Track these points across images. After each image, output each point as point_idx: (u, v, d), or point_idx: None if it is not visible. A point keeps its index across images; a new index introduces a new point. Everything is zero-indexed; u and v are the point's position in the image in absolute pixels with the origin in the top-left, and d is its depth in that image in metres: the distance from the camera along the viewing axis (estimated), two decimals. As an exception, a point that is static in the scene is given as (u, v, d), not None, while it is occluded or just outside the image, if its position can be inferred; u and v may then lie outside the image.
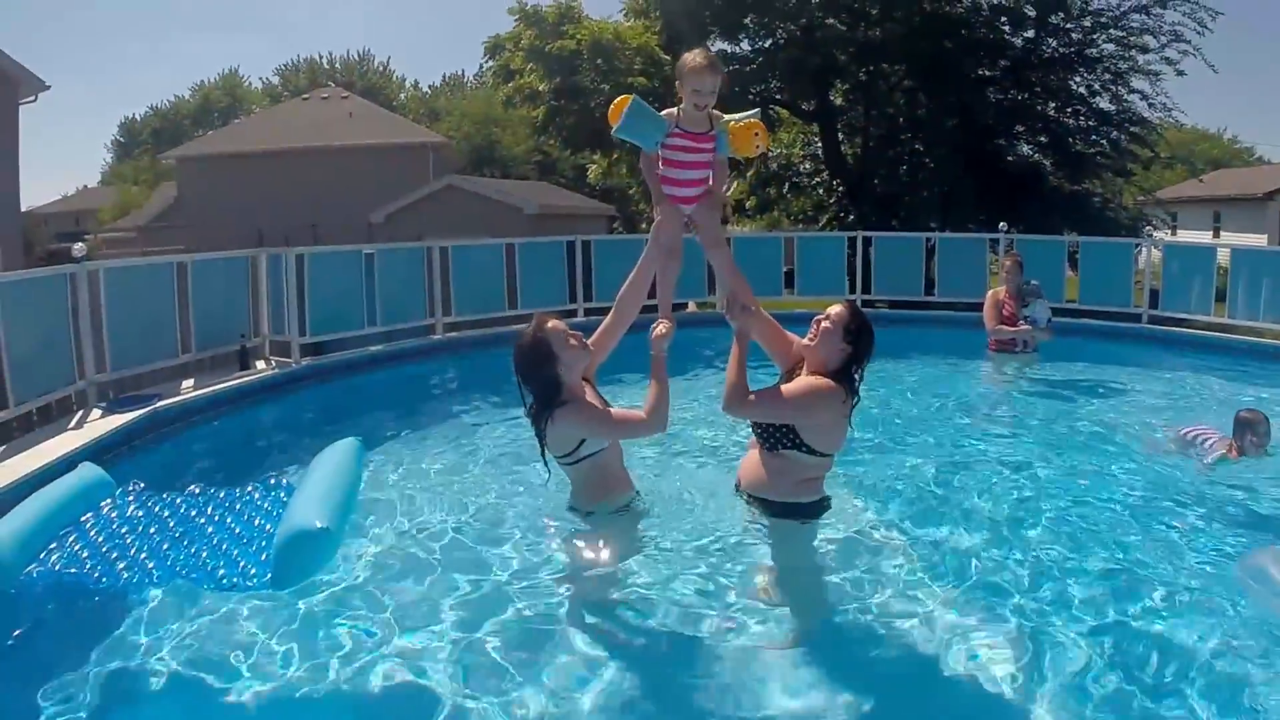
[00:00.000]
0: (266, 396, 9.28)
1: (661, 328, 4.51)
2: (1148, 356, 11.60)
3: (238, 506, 5.27)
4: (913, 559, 4.73)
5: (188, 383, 9.07)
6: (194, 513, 5.17)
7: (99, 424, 7.49)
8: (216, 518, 5.11)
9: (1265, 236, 37.31)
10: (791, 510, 4.58)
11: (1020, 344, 10.11)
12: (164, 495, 5.42)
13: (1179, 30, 20.89)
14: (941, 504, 5.68)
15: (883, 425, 7.62)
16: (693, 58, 4.44)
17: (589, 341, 4.59)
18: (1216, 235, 41.56)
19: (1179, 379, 10.37)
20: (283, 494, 5.40)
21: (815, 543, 4.71)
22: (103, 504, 5.24)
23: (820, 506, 4.68)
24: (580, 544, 4.70)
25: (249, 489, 5.50)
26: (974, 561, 4.76)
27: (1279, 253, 13.09)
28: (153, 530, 4.94)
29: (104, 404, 8.07)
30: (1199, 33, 20.70)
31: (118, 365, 8.65)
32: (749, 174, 25.12)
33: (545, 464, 4.63)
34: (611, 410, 4.62)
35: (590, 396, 4.59)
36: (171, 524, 5.02)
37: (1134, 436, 7.48)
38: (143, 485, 5.55)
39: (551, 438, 4.47)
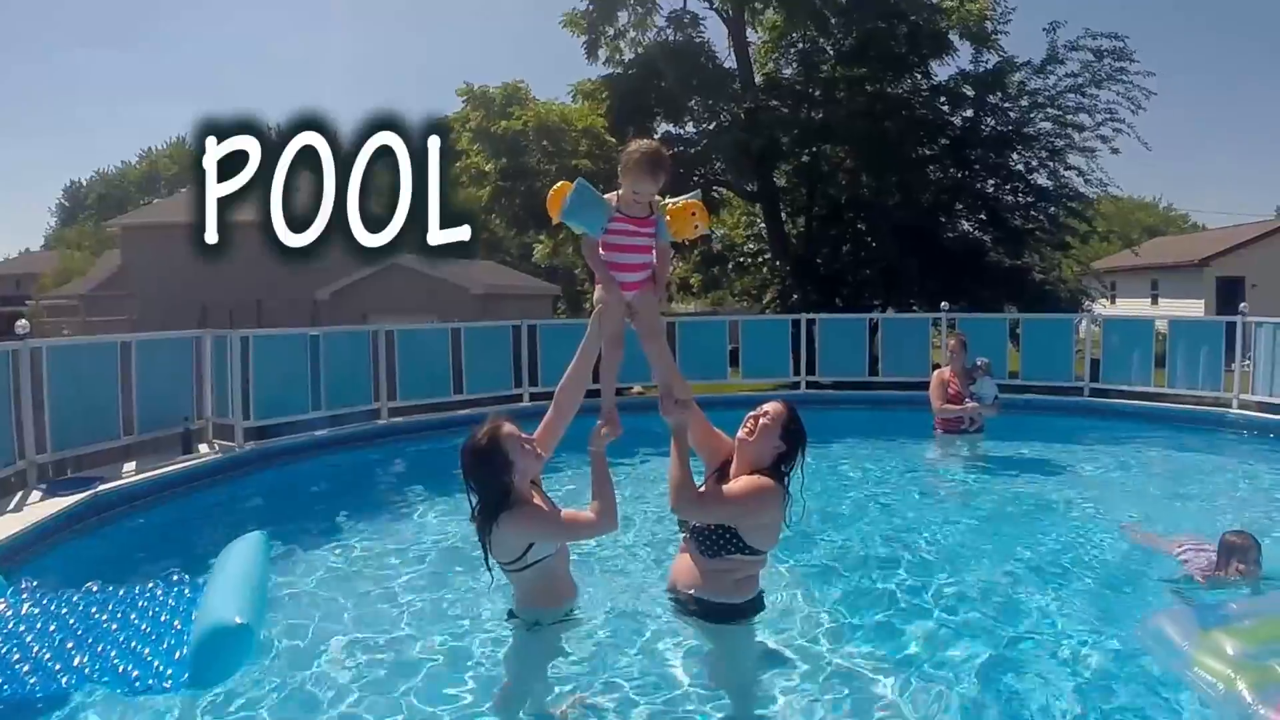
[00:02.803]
0: (208, 481, 9.09)
1: (606, 428, 4.36)
2: (1091, 429, 11.79)
3: (141, 603, 5.00)
4: (856, 648, 4.70)
5: (129, 465, 8.91)
6: (95, 610, 4.89)
7: (39, 507, 7.34)
8: (120, 614, 4.83)
9: (1202, 302, 38.08)
10: (731, 611, 4.39)
11: (967, 422, 10.16)
12: (60, 592, 5.12)
13: (1114, 109, 21.54)
14: (886, 591, 5.63)
15: (827, 509, 7.58)
16: (638, 157, 4.24)
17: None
18: (1155, 303, 42.42)
19: (1122, 453, 10.52)
20: (187, 590, 5.16)
21: (756, 640, 4.59)
22: None
23: (758, 604, 4.52)
24: (520, 655, 4.48)
25: (149, 584, 5.24)
26: (916, 648, 4.75)
27: (1215, 323, 13.32)
28: (53, 629, 4.65)
29: (44, 485, 7.91)
30: (1133, 111, 21.36)
31: (59, 446, 8.51)
32: (693, 255, 25.32)
33: (489, 567, 4.36)
34: (561, 512, 4.36)
35: (538, 500, 4.36)
36: (73, 623, 4.74)
37: (1080, 516, 7.50)
38: (36, 583, 5.24)
39: (497, 544, 4.20)
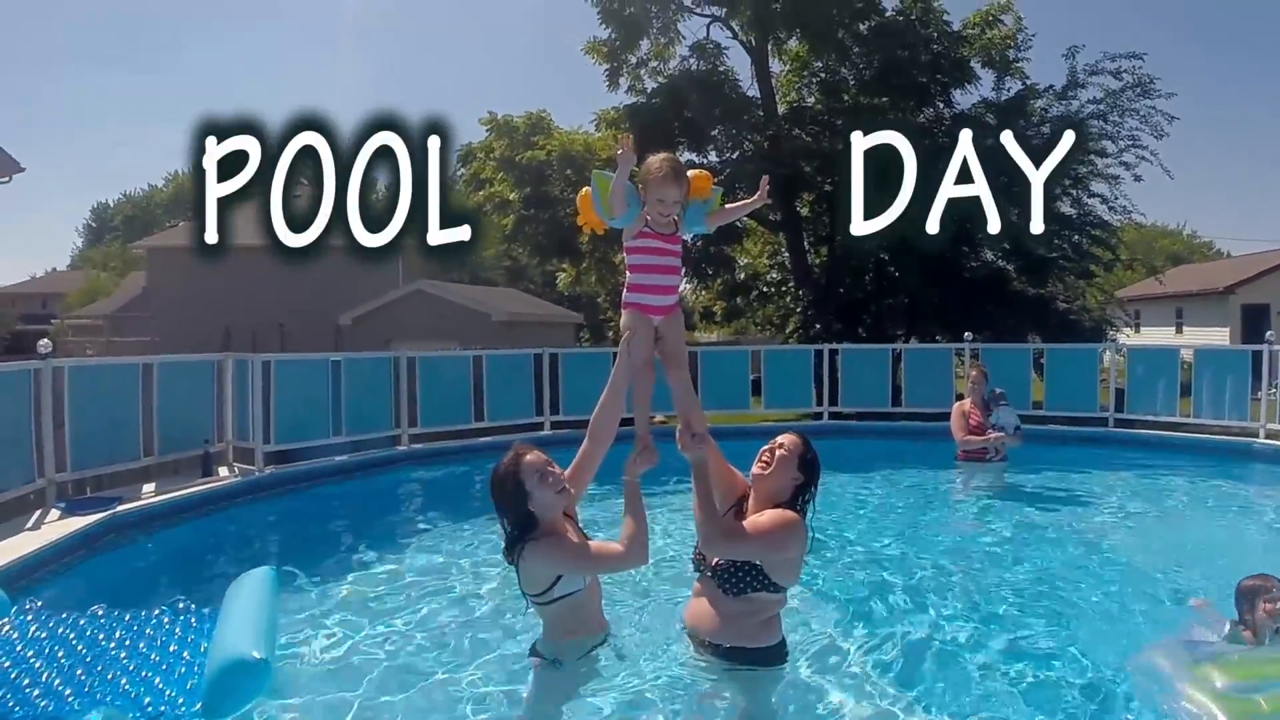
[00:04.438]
0: (227, 504, 9.10)
1: (641, 455, 4.29)
2: (1116, 460, 11.67)
3: (148, 630, 4.96)
4: (879, 688, 4.59)
5: (149, 486, 8.95)
6: (102, 636, 4.85)
7: (57, 525, 7.38)
8: (128, 642, 4.79)
9: (1227, 330, 37.73)
10: (759, 656, 4.30)
11: (991, 452, 10.09)
12: (67, 616, 5.04)
13: (1136, 135, 21.43)
14: (907, 628, 5.53)
15: (848, 541, 7.52)
16: (658, 165, 4.29)
17: (566, 474, 4.27)
18: (1179, 332, 42.07)
19: (1148, 484, 10.48)
20: (193, 619, 5.11)
21: (782, 685, 4.45)
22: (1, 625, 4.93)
23: (784, 648, 4.43)
24: (540, 693, 4.36)
25: (156, 611, 5.17)
26: (944, 688, 4.66)
27: (1241, 351, 13.22)
28: (60, 655, 4.60)
29: (63, 504, 7.96)
30: (1156, 137, 21.26)
31: (78, 465, 8.58)
32: (716, 283, 25.32)
33: (524, 598, 4.29)
34: (590, 544, 4.27)
35: (570, 532, 4.27)
36: (80, 649, 4.70)
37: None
38: (40, 603, 5.21)
39: (524, 574, 4.14)
